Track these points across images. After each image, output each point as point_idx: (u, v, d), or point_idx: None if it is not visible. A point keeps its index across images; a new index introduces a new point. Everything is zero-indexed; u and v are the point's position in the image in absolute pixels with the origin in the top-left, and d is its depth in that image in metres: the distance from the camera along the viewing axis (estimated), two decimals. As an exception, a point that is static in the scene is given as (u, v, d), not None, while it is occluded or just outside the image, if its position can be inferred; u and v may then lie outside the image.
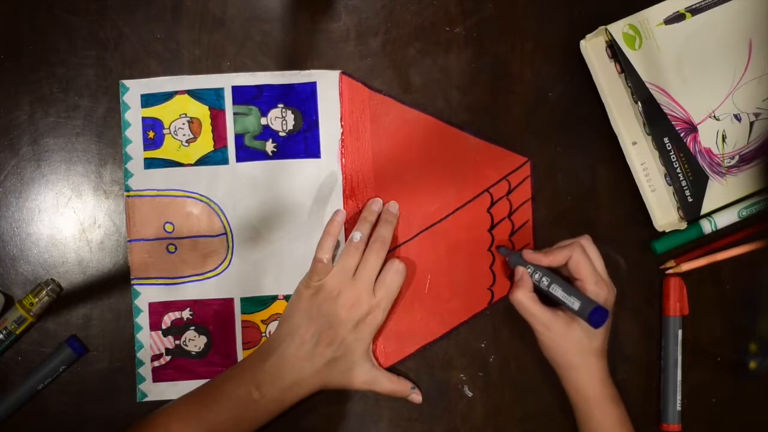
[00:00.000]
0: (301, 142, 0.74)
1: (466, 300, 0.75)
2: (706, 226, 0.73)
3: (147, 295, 0.74)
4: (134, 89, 0.74)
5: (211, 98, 0.74)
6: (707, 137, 0.73)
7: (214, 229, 0.74)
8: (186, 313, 0.74)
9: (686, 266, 0.74)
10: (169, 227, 0.74)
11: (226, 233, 0.74)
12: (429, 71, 0.75)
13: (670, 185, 0.73)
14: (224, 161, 0.74)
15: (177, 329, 0.74)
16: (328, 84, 0.74)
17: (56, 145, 0.74)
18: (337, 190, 0.74)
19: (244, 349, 0.74)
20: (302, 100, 0.74)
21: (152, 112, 0.74)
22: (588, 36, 0.72)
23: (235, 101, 0.74)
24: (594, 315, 0.65)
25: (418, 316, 0.74)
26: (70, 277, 0.74)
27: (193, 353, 0.74)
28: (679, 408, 0.73)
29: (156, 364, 0.74)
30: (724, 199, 0.73)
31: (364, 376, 0.71)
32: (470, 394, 0.75)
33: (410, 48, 0.75)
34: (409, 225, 0.75)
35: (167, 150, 0.74)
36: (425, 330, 0.75)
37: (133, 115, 0.74)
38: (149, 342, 0.74)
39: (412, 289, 0.74)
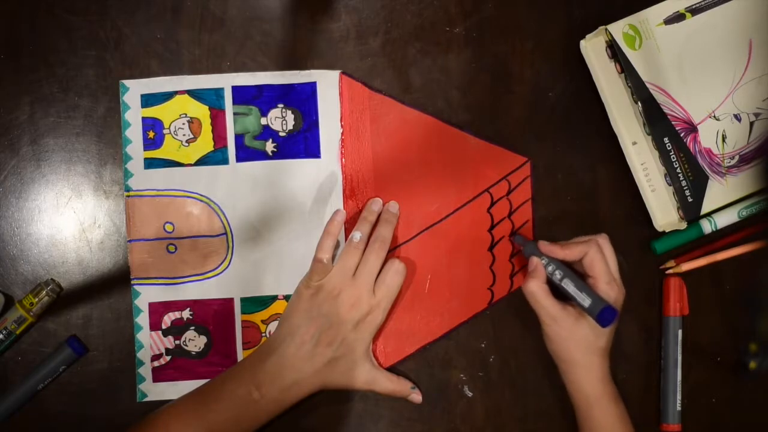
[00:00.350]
0: (301, 142, 0.74)
1: (466, 300, 0.75)
2: (706, 226, 0.73)
3: (147, 295, 0.74)
4: (134, 89, 0.74)
5: (211, 98, 0.74)
6: (707, 137, 0.73)
7: (214, 229, 0.74)
8: (186, 313, 0.74)
9: (686, 266, 0.74)
10: (169, 227, 0.74)
11: (226, 233, 0.74)
12: (429, 71, 0.75)
13: (670, 185, 0.73)
14: (224, 161, 0.74)
15: (177, 329, 0.74)
16: (328, 84, 0.74)
17: (56, 145, 0.74)
18: (337, 190, 0.74)
19: (244, 349, 0.74)
20: (302, 100, 0.74)
21: (152, 112, 0.74)
22: (588, 36, 0.72)
23: (235, 101, 0.74)
24: (603, 314, 0.65)
25: (418, 316, 0.74)
26: (70, 277, 0.74)
27: (193, 353, 0.74)
28: (679, 408, 0.73)
29: (156, 364, 0.74)
30: (724, 199, 0.73)
31: (364, 376, 0.71)
32: (470, 394, 0.75)
33: (410, 48, 0.75)
34: (409, 225, 0.75)
35: (167, 150, 0.74)
36: (425, 330, 0.75)
37: (133, 115, 0.74)
38: (149, 342, 0.74)
39: (412, 289, 0.74)
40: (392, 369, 0.74)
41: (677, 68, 0.72)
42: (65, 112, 0.74)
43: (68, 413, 0.73)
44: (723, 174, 0.73)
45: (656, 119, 0.72)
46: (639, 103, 0.72)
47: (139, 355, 0.73)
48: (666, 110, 0.72)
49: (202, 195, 0.74)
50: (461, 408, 0.74)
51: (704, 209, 0.73)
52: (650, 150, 0.73)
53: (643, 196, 0.73)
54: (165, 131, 0.74)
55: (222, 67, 0.74)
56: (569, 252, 0.69)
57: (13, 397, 0.72)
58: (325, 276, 0.70)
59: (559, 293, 0.69)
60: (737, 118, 0.73)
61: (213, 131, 0.74)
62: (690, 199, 0.72)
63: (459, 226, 0.75)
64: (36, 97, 0.74)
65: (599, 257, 0.68)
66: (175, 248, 0.74)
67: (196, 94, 0.74)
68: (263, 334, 0.74)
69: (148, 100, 0.74)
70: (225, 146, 0.74)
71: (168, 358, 0.74)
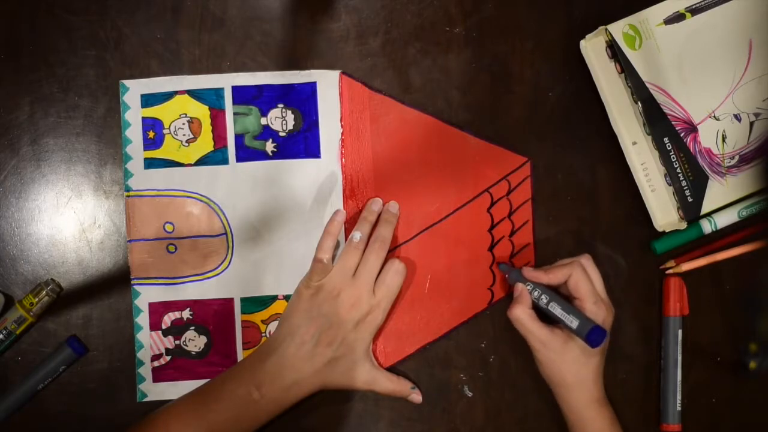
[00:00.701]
0: (301, 142, 0.74)
1: (466, 300, 0.75)
2: (706, 226, 0.73)
3: (147, 295, 0.74)
4: (134, 89, 0.74)
5: (211, 98, 0.74)
6: (707, 137, 0.73)
7: (214, 229, 0.74)
8: (186, 313, 0.74)
9: (686, 266, 0.74)
10: (169, 227, 0.74)
11: (226, 233, 0.74)
12: (429, 71, 0.75)
13: (670, 185, 0.73)
14: (224, 161, 0.74)
15: (177, 329, 0.74)
16: (328, 84, 0.74)
17: (56, 145, 0.74)
18: (337, 190, 0.74)
19: (244, 349, 0.74)
20: (302, 100, 0.74)
21: (152, 112, 0.74)
22: (588, 36, 0.72)
23: (235, 101, 0.74)
24: (592, 334, 0.66)
25: (418, 316, 0.74)
26: (70, 277, 0.74)
27: (193, 353, 0.74)
28: (679, 408, 0.73)
29: (156, 364, 0.74)
30: (724, 199, 0.73)
31: (364, 376, 0.71)
32: (470, 394, 0.75)
33: (410, 48, 0.75)
34: (409, 225, 0.75)
35: (167, 150, 0.74)
36: (425, 330, 0.75)
37: (133, 115, 0.74)
38: (149, 342, 0.74)
39: (412, 289, 0.74)
40: (392, 369, 0.74)
41: (677, 68, 0.72)
42: (65, 112, 0.74)
43: (68, 413, 0.73)
44: (723, 174, 0.73)
45: (656, 119, 0.72)
46: (639, 103, 0.72)
47: (139, 355, 0.73)
48: (666, 110, 0.72)
49: (202, 195, 0.74)
50: (461, 408, 0.74)
51: (704, 209, 0.73)
52: (650, 150, 0.73)
53: (643, 196, 0.73)
54: (165, 131, 0.74)
55: (222, 67, 0.74)
56: (553, 276, 0.69)
57: (13, 397, 0.72)
58: (325, 276, 0.70)
59: (547, 318, 0.69)
60: (737, 118, 0.73)
61: (213, 131, 0.74)
62: (690, 199, 0.72)
63: (459, 226, 0.75)
64: (36, 97, 0.74)
65: (584, 278, 0.68)
66: (175, 248, 0.74)
67: (196, 94, 0.74)
68: (263, 334, 0.74)
69: (148, 100, 0.74)
70: (225, 146, 0.74)
71: (168, 358, 0.74)
